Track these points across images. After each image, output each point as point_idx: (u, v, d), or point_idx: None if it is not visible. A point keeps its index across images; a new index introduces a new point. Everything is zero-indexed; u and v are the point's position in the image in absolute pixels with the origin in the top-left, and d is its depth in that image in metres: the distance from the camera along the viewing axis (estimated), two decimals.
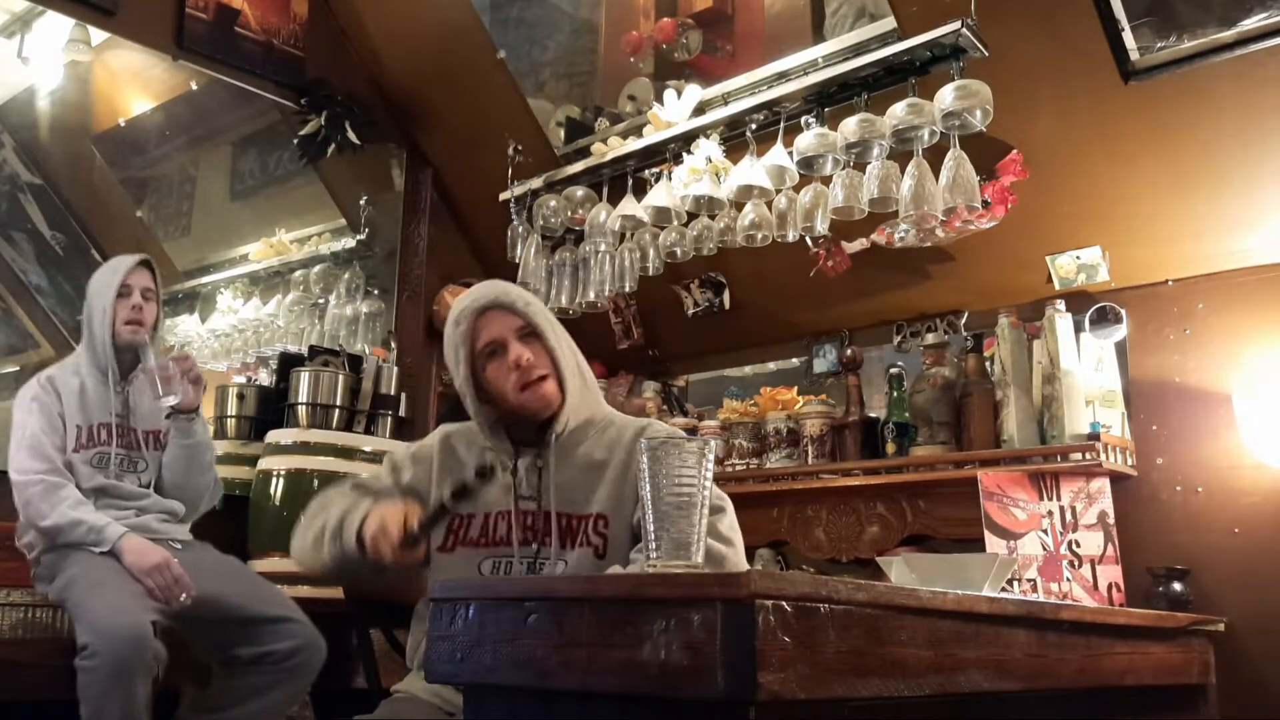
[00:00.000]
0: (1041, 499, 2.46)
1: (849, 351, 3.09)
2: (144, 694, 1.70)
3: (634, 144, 3.13)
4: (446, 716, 1.79)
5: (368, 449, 2.81)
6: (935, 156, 2.54)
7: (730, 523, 1.72)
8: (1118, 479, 2.55)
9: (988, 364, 2.80)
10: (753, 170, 2.81)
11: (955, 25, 2.44)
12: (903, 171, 2.56)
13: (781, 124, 2.84)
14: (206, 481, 2.16)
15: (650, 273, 3.16)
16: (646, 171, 3.15)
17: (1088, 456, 2.47)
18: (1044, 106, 2.60)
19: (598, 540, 1.78)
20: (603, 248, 3.15)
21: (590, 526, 1.79)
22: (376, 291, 3.56)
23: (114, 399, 2.09)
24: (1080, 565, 2.43)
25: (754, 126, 2.90)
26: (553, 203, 3.29)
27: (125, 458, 2.08)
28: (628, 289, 3.15)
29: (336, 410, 2.91)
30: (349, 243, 3.57)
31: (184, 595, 1.84)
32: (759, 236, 2.87)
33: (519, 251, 3.32)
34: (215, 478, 2.23)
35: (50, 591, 1.89)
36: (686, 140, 3.01)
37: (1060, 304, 2.64)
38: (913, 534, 2.77)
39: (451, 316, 1.89)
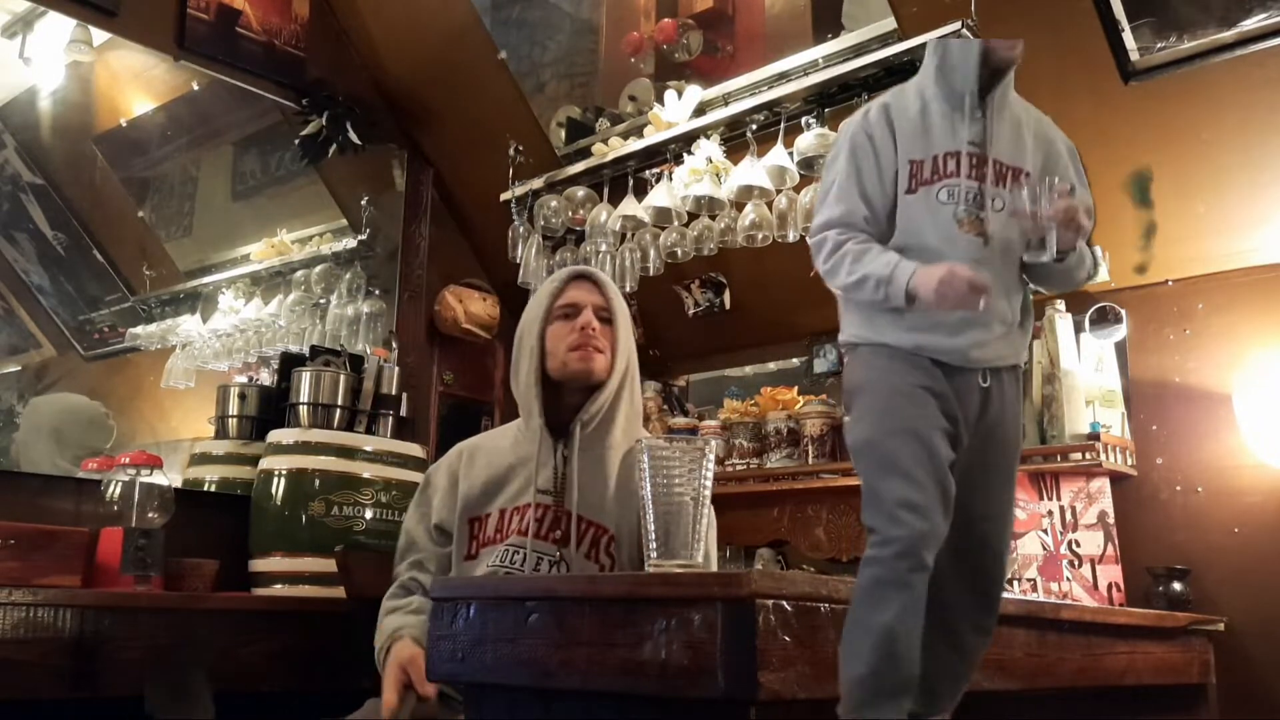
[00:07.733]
0: (1041, 499, 2.46)
1: None
2: None
3: (635, 144, 3.13)
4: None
5: (369, 449, 2.82)
6: None
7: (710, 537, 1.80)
8: (1117, 479, 2.55)
9: None
10: (753, 171, 2.81)
11: (955, 25, 2.44)
12: None
13: (782, 124, 2.84)
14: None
15: (651, 273, 3.16)
16: (647, 172, 3.15)
17: (1087, 456, 2.46)
18: (1044, 106, 2.57)
19: (606, 560, 1.84)
20: (603, 248, 3.15)
21: (605, 543, 1.86)
22: (378, 292, 3.56)
23: (968, 127, 1.61)
24: (1080, 565, 2.44)
25: (754, 127, 2.90)
26: (554, 203, 3.29)
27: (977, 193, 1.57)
28: (628, 289, 3.15)
29: (338, 410, 2.92)
30: (350, 243, 3.57)
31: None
32: (759, 237, 2.87)
33: (520, 252, 3.32)
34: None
35: None
36: (687, 141, 3.01)
37: (1060, 304, 2.64)
38: None
39: (550, 277, 2.06)
